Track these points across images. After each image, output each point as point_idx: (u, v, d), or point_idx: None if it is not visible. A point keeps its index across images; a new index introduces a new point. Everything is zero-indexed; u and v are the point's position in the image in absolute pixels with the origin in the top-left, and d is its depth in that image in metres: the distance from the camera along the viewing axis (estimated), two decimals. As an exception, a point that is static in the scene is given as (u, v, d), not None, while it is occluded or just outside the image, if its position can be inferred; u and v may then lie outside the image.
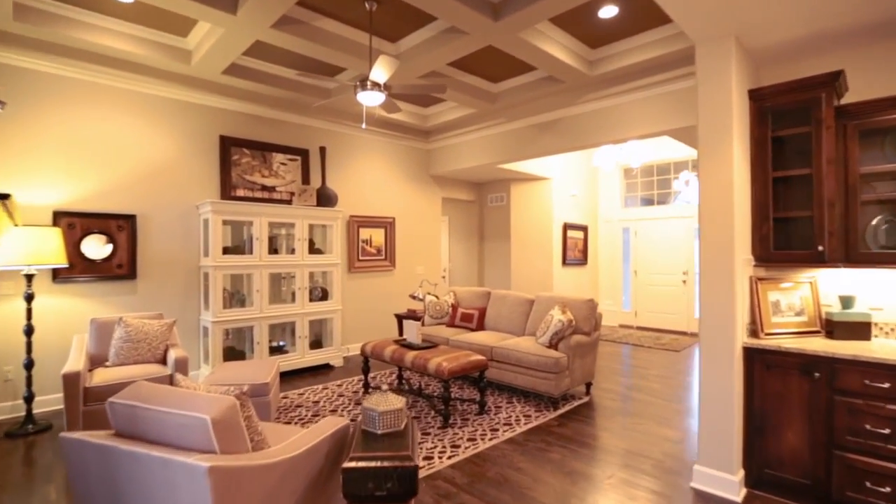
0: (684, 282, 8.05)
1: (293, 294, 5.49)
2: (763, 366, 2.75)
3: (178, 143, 4.99)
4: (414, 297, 6.00)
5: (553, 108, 5.69)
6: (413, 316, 6.11)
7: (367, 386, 4.68)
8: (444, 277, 9.03)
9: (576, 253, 8.45)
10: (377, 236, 6.79)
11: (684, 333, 8.00)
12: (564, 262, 8.13)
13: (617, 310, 8.88)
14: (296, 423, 3.84)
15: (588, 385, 4.68)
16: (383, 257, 6.86)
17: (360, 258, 6.57)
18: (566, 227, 8.17)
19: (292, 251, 5.56)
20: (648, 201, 9.05)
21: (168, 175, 4.92)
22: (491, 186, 8.41)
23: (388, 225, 6.90)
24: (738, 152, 2.81)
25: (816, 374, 2.56)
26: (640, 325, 8.60)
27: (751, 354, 2.80)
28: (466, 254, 8.67)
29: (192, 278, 5.05)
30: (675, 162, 8.43)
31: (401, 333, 6.35)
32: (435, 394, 4.55)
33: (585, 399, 4.50)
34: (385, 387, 2.34)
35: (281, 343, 5.59)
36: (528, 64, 5.09)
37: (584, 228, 8.68)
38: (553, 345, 4.36)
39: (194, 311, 5.07)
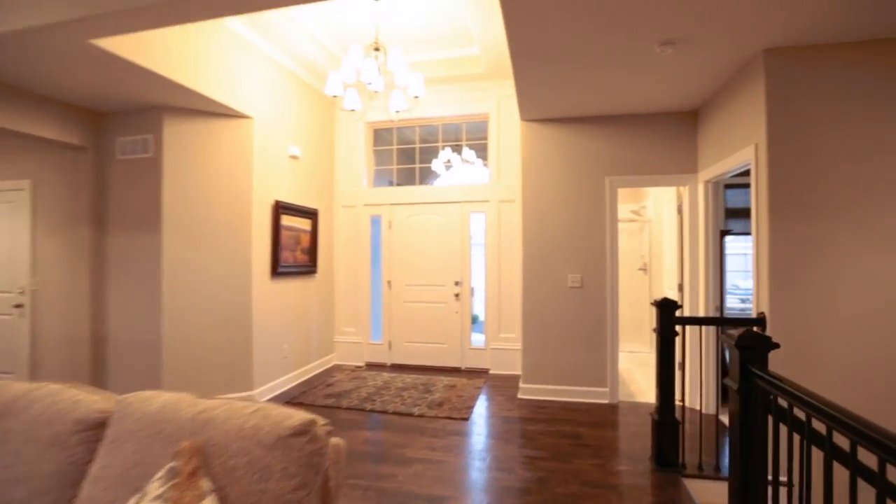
0: (457, 295, 5.60)
1: None
2: None
3: None
4: None
5: None
6: None
7: None
8: (18, 308, 4.32)
9: (298, 255, 5.02)
10: None
11: (457, 370, 5.54)
12: (276, 270, 4.59)
13: (363, 341, 5.85)
14: None
15: None
16: None
17: None
18: (279, 209, 4.66)
19: None
20: (405, 180, 6.35)
21: None
22: (123, 121, 4.17)
23: None
24: None
25: None
26: (396, 363, 5.77)
27: None
28: (71, 258, 4.18)
29: None
30: (445, 124, 5.95)
31: None
32: None
33: None
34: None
35: None
36: None
37: (314, 214, 5.34)
38: None
39: None
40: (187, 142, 4.11)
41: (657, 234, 5.76)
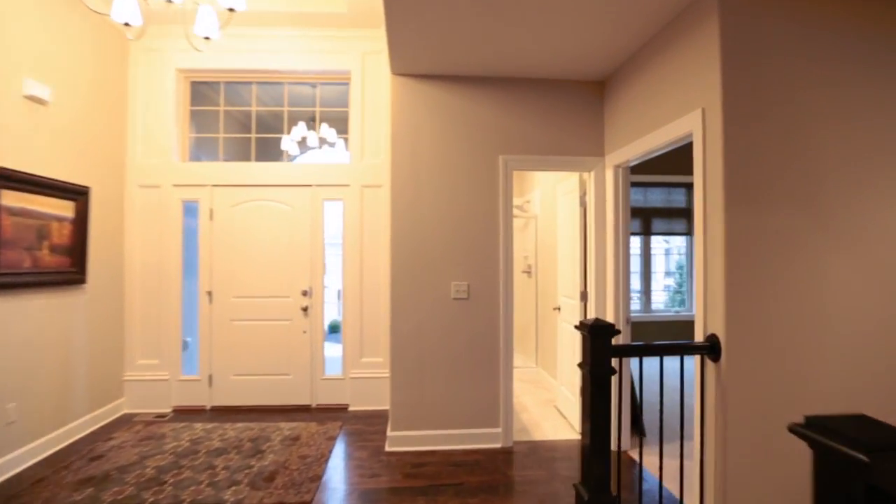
0: (305, 310, 4.23)
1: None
2: None
3: None
4: None
5: None
6: None
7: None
8: None
9: (43, 256, 3.21)
10: None
11: (306, 409, 4.17)
12: (-13, 281, 2.78)
13: (170, 378, 4.15)
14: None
15: None
16: None
17: None
18: None
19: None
20: (237, 154, 4.78)
21: None
22: None
23: None
24: None
25: None
26: (220, 405, 4.19)
27: None
28: None
29: None
30: (292, 84, 4.52)
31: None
32: None
33: None
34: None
35: None
36: None
37: (81, 194, 3.54)
38: None
39: None
40: None
41: (546, 231, 5.06)
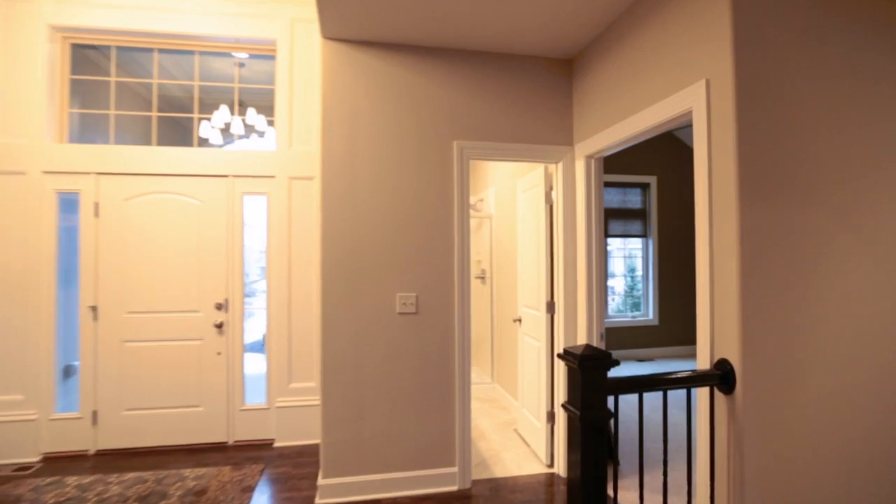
0: (220, 326, 3.49)
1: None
2: None
3: None
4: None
5: None
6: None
7: None
8: None
9: None
10: None
11: (222, 448, 3.43)
12: None
13: (39, 416, 3.28)
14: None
15: None
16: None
17: None
18: None
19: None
20: (134, 137, 3.97)
21: None
22: None
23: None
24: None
25: None
26: (109, 449, 3.36)
27: None
28: None
29: None
30: (204, 53, 3.75)
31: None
32: None
33: None
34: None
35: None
36: None
37: None
38: None
39: None
40: None
41: (502, 232, 4.59)
